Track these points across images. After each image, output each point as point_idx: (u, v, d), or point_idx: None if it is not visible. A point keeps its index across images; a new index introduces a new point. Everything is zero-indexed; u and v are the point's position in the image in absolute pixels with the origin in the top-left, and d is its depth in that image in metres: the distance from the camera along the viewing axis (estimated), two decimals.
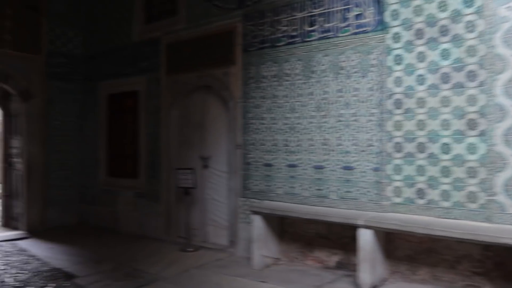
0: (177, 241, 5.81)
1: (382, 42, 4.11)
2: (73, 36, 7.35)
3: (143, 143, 6.40)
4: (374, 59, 4.17)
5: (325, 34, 4.49)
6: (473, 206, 3.61)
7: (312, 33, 4.58)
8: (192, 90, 5.91)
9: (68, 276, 4.46)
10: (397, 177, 4.00)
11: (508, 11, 3.49)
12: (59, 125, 7.17)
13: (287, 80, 4.78)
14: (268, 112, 4.94)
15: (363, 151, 4.22)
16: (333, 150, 4.42)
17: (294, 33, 4.72)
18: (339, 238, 4.39)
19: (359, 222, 3.80)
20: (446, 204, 3.73)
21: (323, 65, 4.50)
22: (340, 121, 4.37)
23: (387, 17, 4.09)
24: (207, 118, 5.79)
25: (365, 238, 3.76)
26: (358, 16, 4.27)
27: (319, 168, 4.51)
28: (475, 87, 3.62)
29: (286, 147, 4.77)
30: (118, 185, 6.79)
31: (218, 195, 5.63)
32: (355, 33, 4.28)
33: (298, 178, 4.67)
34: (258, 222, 4.56)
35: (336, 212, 4.18)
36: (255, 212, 4.58)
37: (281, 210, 4.44)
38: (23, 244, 5.97)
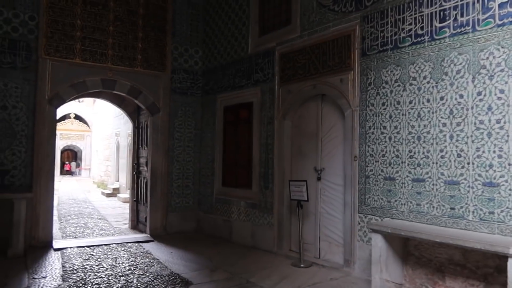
0: (289, 255, 5.61)
1: None
2: (193, 53, 7.80)
3: (257, 153, 6.40)
4: (484, 58, 3.47)
5: (460, 29, 3.90)
6: None
7: (444, 30, 4.03)
8: (306, 99, 5.72)
9: (185, 283, 4.55)
10: None
11: None
12: (180, 136, 7.62)
13: (412, 84, 4.28)
14: (389, 120, 4.48)
15: (510, 164, 3.51)
16: (470, 163, 3.77)
17: (421, 31, 4.22)
18: (478, 267, 3.69)
19: (511, 251, 3.11)
20: None
21: (457, 65, 3.91)
22: (479, 129, 3.72)
23: None
24: (322, 128, 5.53)
25: None
26: (503, 5, 3.61)
27: (452, 183, 3.90)
28: None
29: (411, 159, 4.24)
30: (232, 195, 6.90)
31: (332, 209, 5.29)
32: (500, 25, 3.62)
33: (425, 195, 4.10)
34: (378, 242, 4.10)
35: (475, 236, 3.52)
36: (375, 231, 4.13)
37: (405, 230, 3.92)
38: (147, 246, 6.38)
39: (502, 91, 3.59)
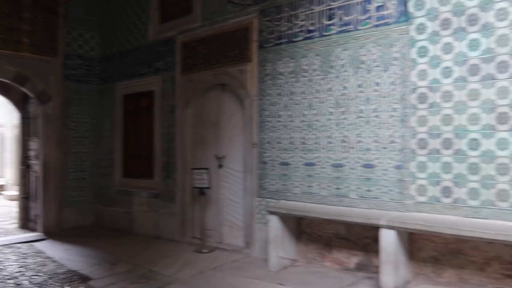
0: (192, 242, 5.70)
1: (405, 34, 3.94)
2: (89, 38, 7.37)
3: (158, 143, 6.33)
4: (396, 52, 3.99)
5: (344, 28, 4.34)
6: (504, 205, 3.39)
7: (331, 27, 4.44)
8: (207, 88, 5.82)
9: (84, 278, 4.38)
10: (421, 175, 3.81)
11: None
12: (75, 126, 7.18)
13: (304, 76, 4.64)
14: (285, 109, 4.80)
15: (384, 148, 4.04)
16: (352, 148, 4.25)
17: (312, 28, 4.58)
18: (359, 239, 4.20)
19: (382, 222, 3.61)
20: (474, 203, 3.52)
21: (342, 59, 4.35)
22: (360, 117, 4.20)
23: (410, 7, 3.91)
24: (223, 117, 5.69)
25: (388, 239, 3.57)
26: (379, 8, 4.10)
27: (338, 166, 4.35)
28: (506, 78, 3.42)
29: (304, 145, 4.62)
30: (134, 186, 6.74)
31: (233, 195, 5.51)
32: (376, 26, 4.12)
33: (316, 177, 4.51)
34: (274, 223, 4.41)
35: (356, 211, 4.00)
36: (272, 212, 4.44)
37: (298, 210, 4.29)
38: (39, 245, 5.95)
39: (378, 84, 4.10)
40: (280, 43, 4.86)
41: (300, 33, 4.68)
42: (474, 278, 3.55)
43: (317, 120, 4.52)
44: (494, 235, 3.08)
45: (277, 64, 4.88)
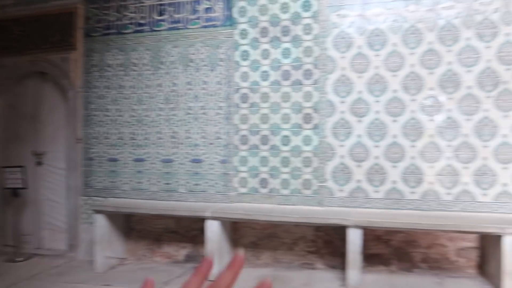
0: (4, 250, 4.99)
1: (231, 37, 4.22)
2: None
3: None
4: (222, 53, 4.25)
5: (175, 25, 4.40)
6: (307, 192, 3.97)
7: (162, 23, 4.44)
8: (23, 76, 5.15)
9: None
10: (243, 168, 4.16)
11: (338, 18, 3.93)
12: None
13: (134, 70, 4.53)
14: (113, 103, 4.60)
15: (211, 143, 4.26)
16: (182, 143, 4.36)
17: (143, 21, 4.50)
18: (187, 231, 4.35)
19: (206, 214, 3.82)
20: (285, 191, 4.02)
21: (172, 56, 4.40)
22: (189, 114, 4.33)
23: (235, 13, 4.21)
24: (42, 109, 5.11)
25: (212, 229, 3.80)
26: (208, 10, 4.29)
27: (167, 161, 4.40)
28: (310, 84, 3.99)
29: (133, 141, 4.52)
30: None
31: (55, 195, 5.02)
32: (205, 26, 4.30)
33: (145, 173, 4.47)
34: (101, 222, 4.21)
35: (185, 205, 4.12)
36: (98, 211, 4.22)
37: (126, 207, 4.19)
38: None
39: (205, 82, 4.29)
40: (109, 34, 4.63)
41: (130, 26, 4.55)
42: (285, 257, 4.07)
43: (147, 116, 4.47)
44: (298, 218, 3.59)
45: (105, 55, 4.64)
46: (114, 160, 4.58)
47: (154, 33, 4.47)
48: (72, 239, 4.75)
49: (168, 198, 4.36)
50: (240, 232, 4.18)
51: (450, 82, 3.74)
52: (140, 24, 4.51)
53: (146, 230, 4.50)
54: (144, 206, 4.15)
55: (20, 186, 4.79)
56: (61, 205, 4.96)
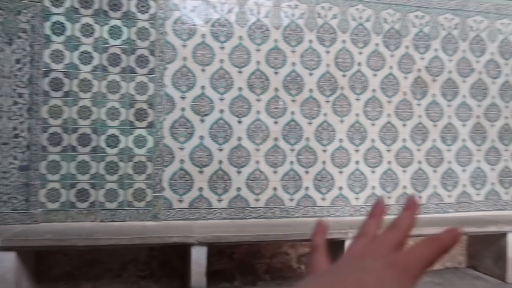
0: None
1: (38, 1, 3.16)
2: None
3: None
4: (25, 21, 3.15)
5: None
6: (140, 204, 3.28)
7: None
8: None
9: None
10: (54, 177, 3.17)
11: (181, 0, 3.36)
12: None
13: None
14: None
15: (5, 143, 3.12)
16: None
17: None
18: None
19: None
20: (111, 205, 3.23)
21: None
22: None
23: None
24: None
25: (4, 265, 2.72)
26: None
27: None
28: (145, 74, 3.30)
29: None
30: None
31: None
32: None
33: None
34: None
35: None
36: None
37: None
38: None
39: None
40: None
41: None
42: (112, 286, 3.27)
43: None
44: (131, 239, 2.87)
45: None
46: None
47: None
48: None
49: None
50: (49, 261, 3.17)
51: (294, 83, 3.61)
52: None
53: None
54: None
55: None
56: None
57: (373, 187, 3.76)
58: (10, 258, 2.72)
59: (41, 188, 3.14)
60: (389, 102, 3.81)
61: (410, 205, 0.41)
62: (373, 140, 3.77)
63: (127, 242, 2.89)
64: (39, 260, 3.12)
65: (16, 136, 3.12)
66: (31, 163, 3.13)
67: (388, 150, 3.81)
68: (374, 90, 3.77)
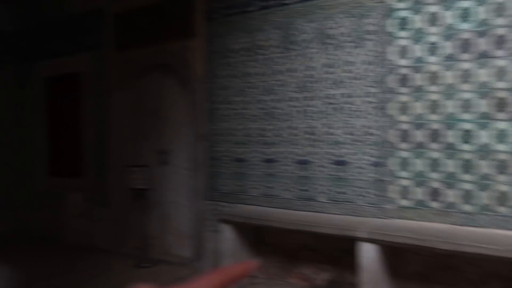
0: (132, 253, 4.80)
1: (381, 1, 3.22)
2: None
3: (89, 135, 5.31)
4: (371, 24, 3.27)
5: None
6: (503, 210, 2.81)
7: None
8: (146, 69, 4.86)
9: None
10: (404, 174, 3.15)
11: None
12: None
13: (261, 54, 3.82)
14: (238, 94, 3.97)
15: (359, 141, 3.34)
16: (320, 141, 3.52)
17: None
18: (330, 251, 3.51)
19: (360, 234, 2.93)
20: (468, 208, 2.91)
21: (306, 33, 3.57)
22: (329, 103, 3.46)
23: None
24: (165, 104, 4.76)
25: (368, 255, 2.89)
26: None
27: (303, 163, 3.61)
28: (505, 56, 2.79)
29: (262, 138, 3.83)
30: (62, 186, 5.68)
31: (180, 197, 4.65)
32: None
33: (277, 176, 3.75)
34: (228, 233, 3.64)
35: (326, 219, 3.29)
36: (225, 221, 3.65)
37: (257, 218, 3.52)
38: None
39: (349, 63, 3.36)
40: (231, 14, 3.99)
41: (255, 1, 3.84)
42: None
43: (277, 108, 3.73)
44: (504, 251, 2.47)
45: (226, 39, 4.02)
46: (241, 160, 3.96)
47: (283, 7, 3.68)
48: (198, 247, 4.29)
49: (304, 207, 3.58)
50: (402, 259, 3.19)
51: None
52: None
53: (278, 245, 3.79)
54: (276, 217, 3.44)
55: (143, 186, 4.50)
56: (185, 208, 4.55)
57: None
58: (372, 250, 2.87)
59: (391, 184, 3.19)
60: None
61: (248, 264, 0.45)
62: None
63: (492, 253, 2.51)
64: (393, 255, 3.17)
65: (368, 133, 3.29)
66: (382, 160, 3.22)
67: None
68: None
